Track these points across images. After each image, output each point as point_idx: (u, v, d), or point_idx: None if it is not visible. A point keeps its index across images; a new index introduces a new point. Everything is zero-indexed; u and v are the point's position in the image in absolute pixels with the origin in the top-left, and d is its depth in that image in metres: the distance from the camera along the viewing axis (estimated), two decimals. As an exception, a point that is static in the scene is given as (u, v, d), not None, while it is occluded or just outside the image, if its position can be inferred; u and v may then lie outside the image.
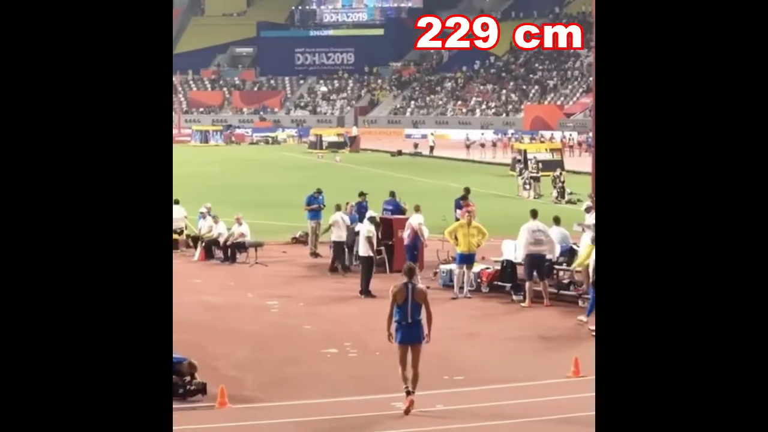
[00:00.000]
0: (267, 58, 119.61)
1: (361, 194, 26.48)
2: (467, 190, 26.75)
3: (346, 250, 24.29)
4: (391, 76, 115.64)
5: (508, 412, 12.92)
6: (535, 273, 19.96)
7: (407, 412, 12.59)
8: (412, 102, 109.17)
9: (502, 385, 14.17)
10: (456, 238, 21.14)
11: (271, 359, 15.90)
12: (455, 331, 17.55)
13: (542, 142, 63.06)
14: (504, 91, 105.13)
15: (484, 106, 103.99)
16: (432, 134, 79.15)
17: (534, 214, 20.60)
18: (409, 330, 12.89)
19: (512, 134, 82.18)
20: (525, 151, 50.25)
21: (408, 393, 12.72)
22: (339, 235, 24.34)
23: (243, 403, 13.28)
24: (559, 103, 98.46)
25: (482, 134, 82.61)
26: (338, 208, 24.89)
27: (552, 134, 78.10)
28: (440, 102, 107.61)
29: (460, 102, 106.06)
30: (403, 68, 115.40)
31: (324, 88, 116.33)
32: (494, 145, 73.25)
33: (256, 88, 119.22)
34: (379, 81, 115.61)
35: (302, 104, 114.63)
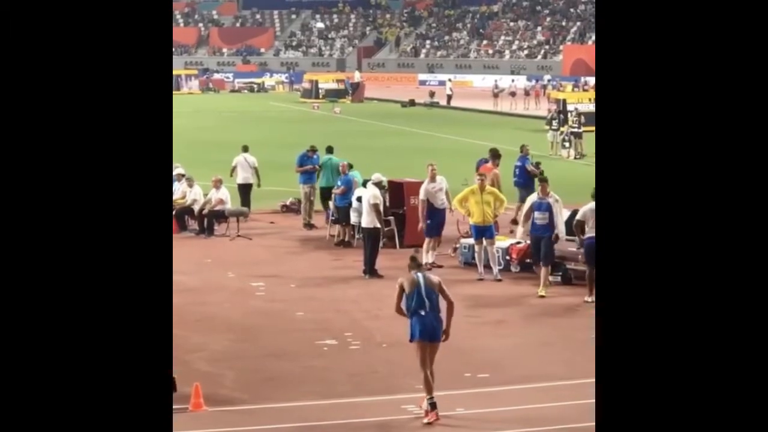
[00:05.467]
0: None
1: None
2: (495, 154, 25.08)
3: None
4: (402, 9, 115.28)
5: (542, 417, 12.95)
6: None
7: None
8: (428, 42, 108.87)
9: (535, 385, 14.20)
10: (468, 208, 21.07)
11: (255, 353, 15.94)
12: (479, 319, 17.59)
13: (585, 90, 62.91)
14: (539, 29, 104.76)
15: (514, 47, 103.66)
16: (451, 81, 79.00)
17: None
18: (428, 321, 12.73)
19: (549, 81, 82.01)
20: (564, 101, 50.13)
21: (433, 406, 12.57)
22: (245, 177, 27.39)
23: (221, 405, 13.32)
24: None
25: (512, 81, 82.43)
26: (245, 149, 27.88)
27: (597, 81, 77.90)
28: (461, 42, 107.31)
29: (485, 42, 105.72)
30: (417, 0, 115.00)
31: (321, 25, 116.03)
32: (527, 93, 73.16)
33: (238, 24, 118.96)
34: (388, 16, 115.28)
35: (294, 44, 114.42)
